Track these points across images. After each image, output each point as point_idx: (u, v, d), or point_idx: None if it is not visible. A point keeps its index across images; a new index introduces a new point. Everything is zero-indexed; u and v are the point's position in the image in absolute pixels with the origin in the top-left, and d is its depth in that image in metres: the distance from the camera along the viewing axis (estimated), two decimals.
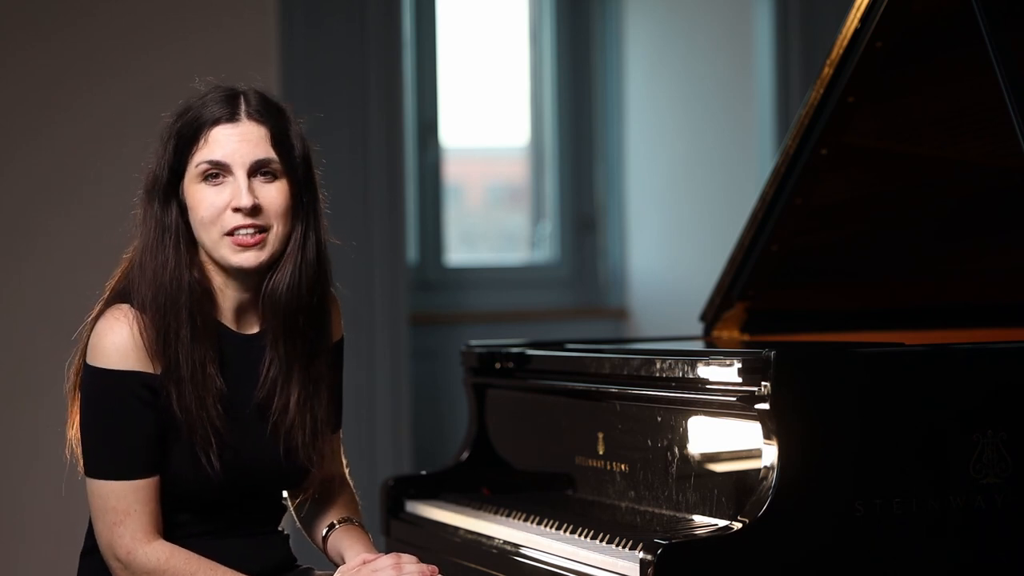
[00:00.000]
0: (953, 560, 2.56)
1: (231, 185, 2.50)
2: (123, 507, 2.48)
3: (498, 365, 3.25)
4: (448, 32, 5.62)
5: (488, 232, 6.13)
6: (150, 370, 2.48)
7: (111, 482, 2.49)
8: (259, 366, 2.56)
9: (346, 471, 2.79)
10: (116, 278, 2.59)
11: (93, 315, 2.55)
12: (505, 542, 2.89)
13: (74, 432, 2.57)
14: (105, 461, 2.49)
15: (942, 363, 2.62)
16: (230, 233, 2.50)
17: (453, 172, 5.76)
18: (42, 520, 4.47)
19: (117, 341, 2.48)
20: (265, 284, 2.55)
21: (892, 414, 2.54)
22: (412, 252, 5.46)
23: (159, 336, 2.48)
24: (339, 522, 2.70)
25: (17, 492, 4.48)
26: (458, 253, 5.73)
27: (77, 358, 2.56)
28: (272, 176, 2.52)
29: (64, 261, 4.51)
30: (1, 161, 4.51)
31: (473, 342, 3.36)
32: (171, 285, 2.49)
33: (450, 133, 5.65)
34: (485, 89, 5.83)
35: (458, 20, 5.71)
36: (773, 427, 2.49)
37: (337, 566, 2.62)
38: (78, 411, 2.55)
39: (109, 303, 2.54)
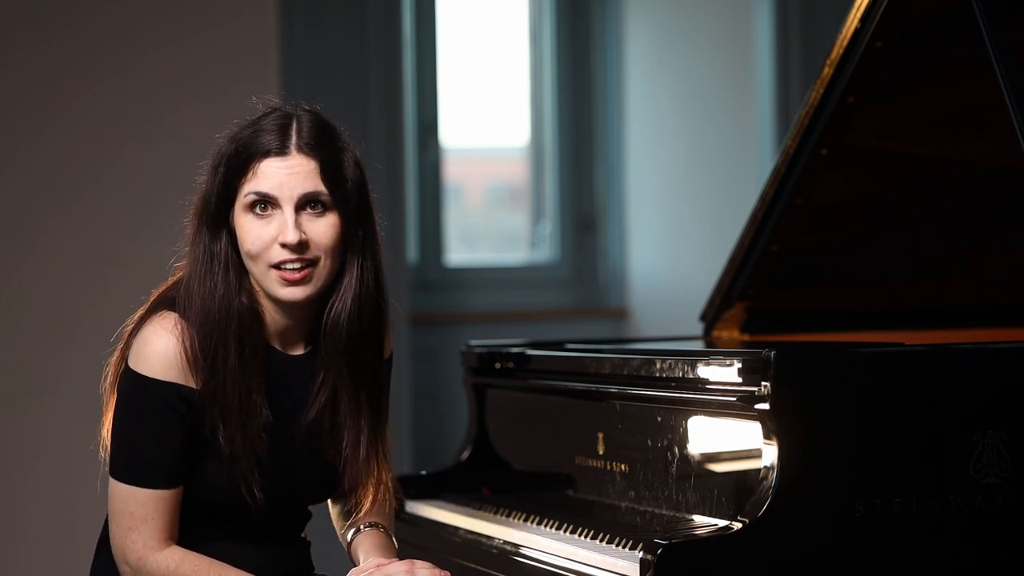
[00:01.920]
0: (953, 560, 2.56)
1: (278, 219, 2.46)
2: (141, 514, 2.47)
3: (498, 365, 3.25)
4: (448, 32, 5.62)
5: (488, 232, 6.13)
6: (191, 384, 2.47)
7: (132, 487, 2.47)
8: (307, 388, 2.55)
9: (389, 476, 2.77)
10: (164, 288, 2.56)
11: (137, 316, 2.53)
12: (505, 542, 2.89)
13: (107, 430, 2.56)
14: (130, 466, 2.48)
15: (942, 363, 2.62)
16: (276, 266, 2.47)
17: (453, 172, 5.76)
18: (42, 520, 4.47)
19: (161, 351, 2.46)
20: (325, 316, 2.53)
21: (892, 414, 2.54)
22: (412, 252, 5.46)
23: (206, 363, 2.45)
24: (365, 526, 2.68)
25: (17, 492, 4.48)
26: (458, 253, 5.73)
27: (117, 356, 2.55)
28: (322, 209, 2.49)
29: (64, 261, 4.51)
30: (1, 161, 4.51)
31: (473, 342, 3.36)
32: (219, 313, 2.47)
33: (450, 133, 5.65)
34: (485, 89, 5.83)
35: (458, 20, 5.71)
36: (773, 427, 2.49)
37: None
38: (109, 413, 2.54)
39: (156, 308, 2.52)
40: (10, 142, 4.51)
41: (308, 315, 2.56)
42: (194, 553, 2.49)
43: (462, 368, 3.37)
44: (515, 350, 3.22)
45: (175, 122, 4.54)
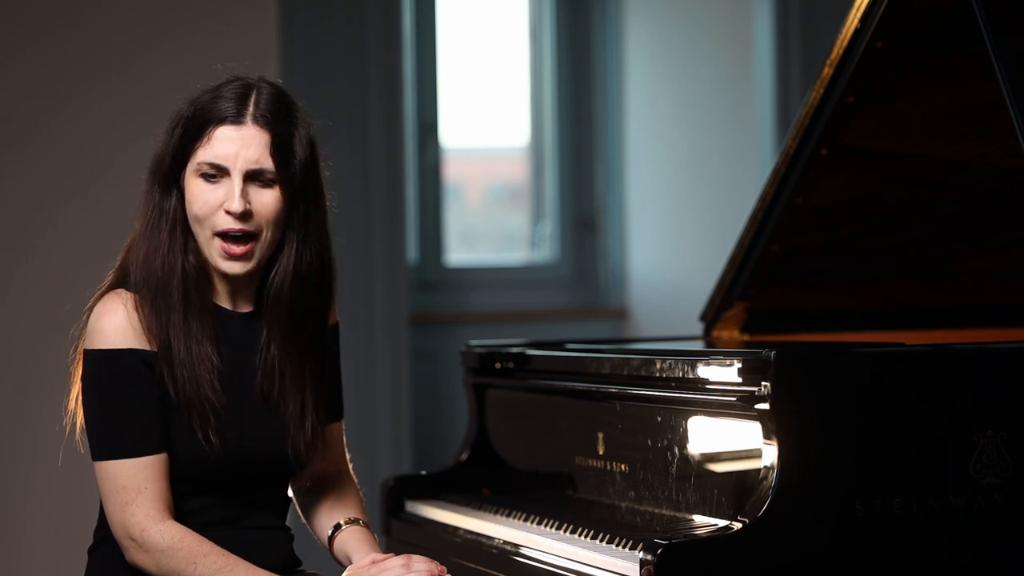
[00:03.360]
0: (953, 560, 2.56)
1: (226, 186, 2.52)
2: (133, 485, 2.49)
3: (498, 365, 3.25)
4: (448, 32, 5.62)
5: (488, 232, 6.13)
6: (148, 347, 2.51)
7: (120, 461, 2.49)
8: (256, 347, 2.59)
9: (349, 465, 2.79)
10: (118, 262, 2.61)
11: (101, 290, 2.58)
12: (505, 542, 2.89)
13: (76, 404, 2.58)
14: (112, 440, 2.50)
15: (942, 363, 2.62)
16: (221, 235, 2.52)
17: (453, 172, 5.76)
18: (42, 520, 4.47)
19: (113, 321, 2.51)
20: (267, 287, 2.58)
21: (892, 414, 2.54)
22: (412, 252, 5.46)
23: (152, 316, 2.51)
24: (346, 523, 2.70)
25: (18, 491, 4.48)
26: (458, 253, 5.73)
27: (80, 339, 2.58)
28: (268, 183, 2.54)
29: (65, 260, 4.51)
30: (4, 159, 4.52)
31: (473, 342, 3.36)
32: (163, 269, 2.53)
33: (450, 133, 5.65)
34: (485, 89, 5.83)
35: (458, 20, 5.71)
36: (773, 427, 2.49)
37: (344, 566, 2.63)
38: (78, 386, 2.57)
39: (114, 283, 2.57)
40: (14, 140, 4.51)
41: (253, 277, 2.60)
42: (195, 532, 2.51)
43: (462, 368, 3.37)
44: (515, 350, 3.22)
45: None
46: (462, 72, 5.71)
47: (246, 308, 2.61)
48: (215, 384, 2.52)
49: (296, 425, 2.58)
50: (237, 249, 2.52)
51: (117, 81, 4.59)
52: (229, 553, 2.51)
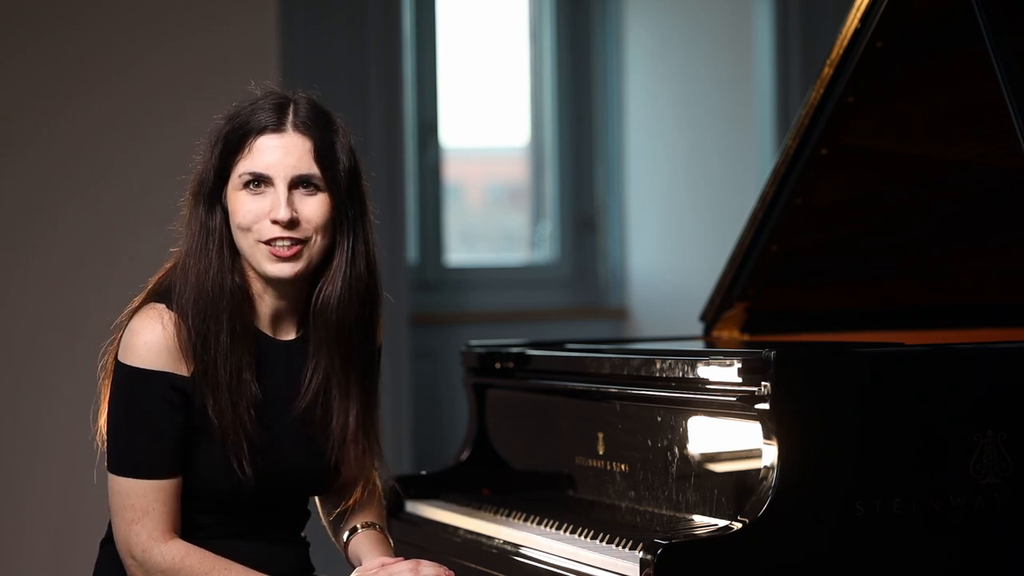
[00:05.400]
0: (953, 560, 2.56)
1: (271, 196, 2.49)
2: (142, 505, 2.48)
3: (498, 365, 3.25)
4: (448, 32, 5.62)
5: (488, 232, 6.13)
6: (181, 372, 2.48)
7: (132, 480, 2.48)
8: (299, 374, 2.56)
9: (376, 473, 2.78)
10: (160, 275, 2.58)
11: (132, 307, 2.55)
12: (505, 542, 2.89)
13: (103, 420, 2.56)
14: (128, 459, 2.49)
15: (942, 363, 2.62)
16: (267, 242, 2.49)
17: (453, 172, 5.76)
18: (42, 519, 4.47)
19: (149, 340, 2.47)
20: (315, 298, 2.55)
21: (892, 414, 2.54)
22: (412, 252, 5.46)
23: (198, 339, 2.47)
24: (362, 527, 2.70)
25: (17, 491, 4.48)
26: (458, 253, 5.73)
27: (113, 346, 2.55)
28: (314, 189, 2.51)
29: (66, 260, 4.51)
30: (4, 159, 4.52)
31: (473, 342, 3.36)
32: (213, 290, 2.49)
33: (450, 133, 5.65)
34: (485, 89, 5.83)
35: (458, 20, 5.71)
36: (773, 427, 2.49)
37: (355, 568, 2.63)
38: (106, 402, 2.55)
39: (149, 299, 2.54)
40: (14, 140, 4.51)
41: (299, 297, 2.57)
42: (198, 547, 2.50)
43: (462, 368, 3.37)
44: (515, 350, 3.22)
45: (176, 121, 4.54)
46: (462, 72, 5.71)
47: (288, 336, 2.59)
48: (251, 411, 2.49)
49: (349, 441, 2.57)
50: (286, 252, 2.49)
51: (117, 81, 4.58)
52: (233, 566, 2.50)
